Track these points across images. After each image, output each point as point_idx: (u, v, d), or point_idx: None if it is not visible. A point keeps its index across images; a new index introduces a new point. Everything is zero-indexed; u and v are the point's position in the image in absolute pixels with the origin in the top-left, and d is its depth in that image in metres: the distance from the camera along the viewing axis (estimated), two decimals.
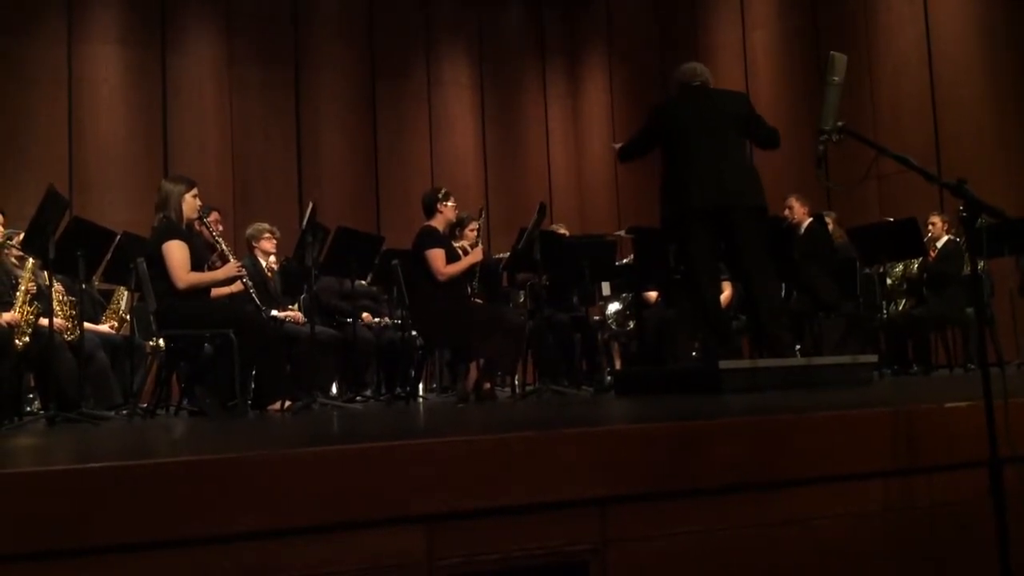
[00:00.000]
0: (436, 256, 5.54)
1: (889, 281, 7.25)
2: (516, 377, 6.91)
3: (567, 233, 7.24)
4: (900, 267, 7.34)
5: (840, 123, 2.59)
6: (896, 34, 9.34)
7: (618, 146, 5.13)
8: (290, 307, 6.31)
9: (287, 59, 11.09)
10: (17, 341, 4.96)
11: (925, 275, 7.14)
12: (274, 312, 6.02)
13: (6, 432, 4.32)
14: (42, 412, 5.32)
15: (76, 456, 2.17)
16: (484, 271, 6.04)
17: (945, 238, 7.10)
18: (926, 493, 2.13)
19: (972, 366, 7.01)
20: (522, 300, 7.15)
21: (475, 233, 6.33)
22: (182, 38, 10.53)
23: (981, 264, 6.43)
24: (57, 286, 5.60)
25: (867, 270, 6.94)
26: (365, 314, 6.99)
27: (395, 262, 6.19)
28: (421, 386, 7.01)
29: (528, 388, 6.42)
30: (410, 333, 6.49)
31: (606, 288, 7.52)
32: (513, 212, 11.17)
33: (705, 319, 4.62)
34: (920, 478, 2.12)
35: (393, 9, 11.74)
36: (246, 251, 6.39)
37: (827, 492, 2.05)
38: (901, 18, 9.28)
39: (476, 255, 5.75)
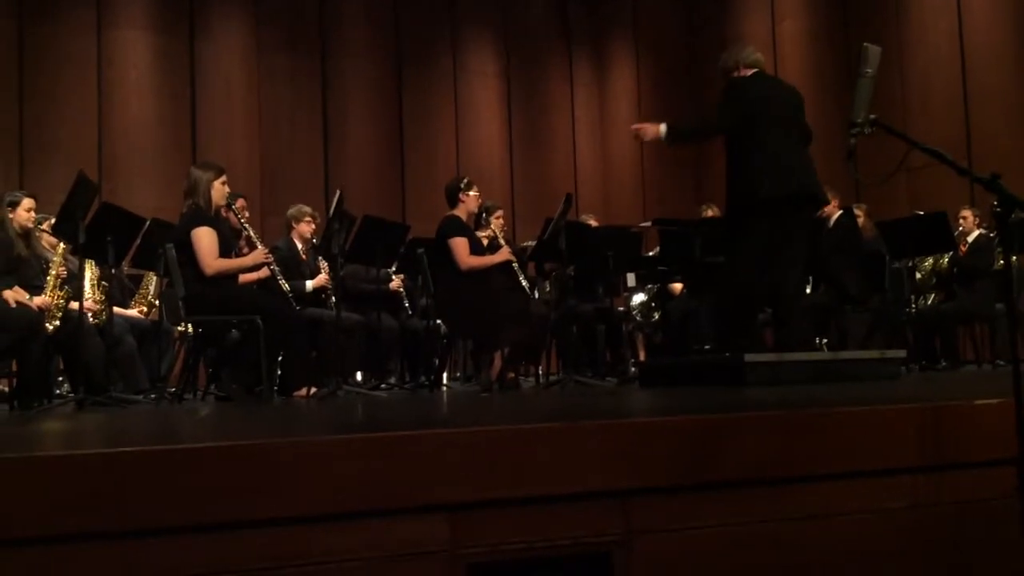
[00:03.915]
0: (459, 244, 5.55)
1: (918, 275, 7.18)
2: (540, 367, 6.92)
3: (596, 223, 7.23)
4: (930, 261, 7.27)
5: (872, 116, 2.56)
6: (928, 26, 9.22)
7: (664, 127, 4.65)
8: (321, 272, 6.26)
9: (314, 46, 11.12)
10: (48, 325, 5.02)
11: (955, 269, 7.07)
12: (308, 283, 6.04)
13: (36, 415, 4.38)
14: (71, 395, 5.38)
15: (104, 440, 2.20)
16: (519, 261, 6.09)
17: (976, 232, 7.02)
18: (953, 490, 2.11)
19: (1001, 362, 6.94)
20: (547, 290, 7.15)
21: (501, 221, 6.33)
22: (210, 25, 10.58)
23: (1013, 259, 6.35)
24: (94, 270, 5.66)
25: (896, 264, 6.88)
26: (395, 282, 6.96)
27: (420, 251, 6.20)
28: (445, 375, 7.03)
29: (552, 378, 6.42)
30: (434, 322, 6.51)
31: (631, 279, 7.50)
32: (538, 201, 11.16)
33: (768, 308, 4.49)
34: (947, 475, 2.10)
35: None
36: (283, 231, 6.42)
37: (853, 488, 2.03)
38: (933, 9, 9.17)
39: (503, 255, 5.77)
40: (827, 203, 4.66)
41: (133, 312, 6.36)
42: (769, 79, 4.76)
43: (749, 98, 4.54)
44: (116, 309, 5.59)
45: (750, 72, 4.66)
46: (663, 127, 4.66)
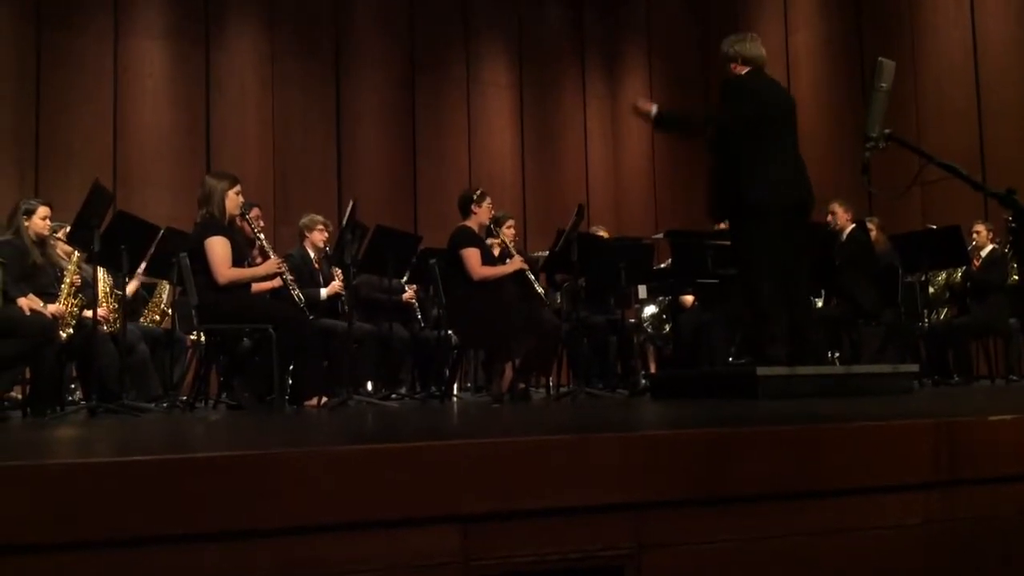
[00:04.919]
0: (471, 255, 5.56)
1: (932, 289, 7.16)
2: (551, 378, 6.91)
3: (606, 234, 7.23)
4: (943, 275, 7.24)
5: (887, 130, 2.56)
6: (941, 37, 9.20)
7: (654, 108, 4.57)
8: (334, 280, 6.28)
9: (328, 55, 11.18)
10: (61, 332, 5.04)
11: (968, 284, 7.04)
12: (322, 291, 6.07)
13: (48, 422, 4.39)
14: (83, 403, 5.40)
15: (116, 448, 2.20)
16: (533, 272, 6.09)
17: (990, 247, 6.99)
18: (967, 507, 2.09)
19: (1014, 377, 6.91)
20: (559, 301, 7.15)
21: (513, 231, 6.34)
22: (225, 33, 10.65)
23: None
24: (107, 278, 5.69)
25: (909, 278, 6.85)
26: (408, 293, 6.98)
27: (432, 261, 6.21)
28: (456, 385, 7.03)
29: (562, 389, 6.41)
30: (446, 332, 6.51)
31: (642, 291, 7.49)
32: (550, 212, 11.18)
33: (792, 322, 4.36)
34: (962, 491, 2.09)
35: (433, 7, 11.79)
36: (297, 240, 6.45)
37: (866, 503, 2.02)
38: (947, 21, 9.14)
39: (515, 264, 5.78)
40: (815, 204, 4.58)
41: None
42: (766, 79, 4.65)
43: (747, 99, 4.46)
44: None
45: (745, 70, 4.57)
46: (654, 108, 4.60)
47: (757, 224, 4.36)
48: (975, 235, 7.03)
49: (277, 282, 5.32)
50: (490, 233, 6.11)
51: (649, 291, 7.40)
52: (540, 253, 7.03)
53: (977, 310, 6.91)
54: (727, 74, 4.58)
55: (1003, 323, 6.80)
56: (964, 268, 7.02)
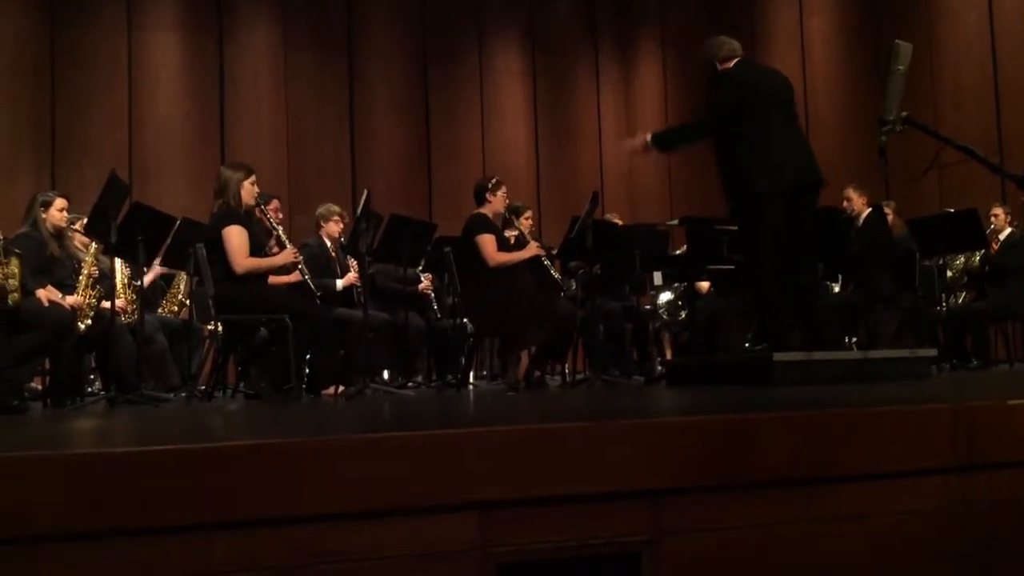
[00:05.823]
0: (487, 241, 5.56)
1: (949, 273, 7.11)
2: (566, 365, 6.92)
3: (620, 221, 7.21)
4: (961, 259, 7.19)
5: (904, 113, 2.54)
6: (958, 20, 9.12)
7: (649, 136, 4.75)
8: (350, 271, 6.30)
9: (341, 46, 11.18)
10: (80, 324, 5.07)
11: (986, 267, 6.98)
12: (338, 282, 6.09)
13: (68, 413, 4.43)
14: (103, 393, 5.44)
15: (135, 438, 2.22)
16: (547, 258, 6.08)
17: (1008, 230, 6.93)
18: (986, 491, 2.08)
19: None
20: (574, 289, 7.15)
21: (530, 222, 6.33)
22: (238, 25, 10.67)
23: None
24: (125, 269, 5.72)
25: (927, 262, 6.80)
26: (424, 283, 6.99)
27: (447, 249, 6.22)
28: (471, 373, 7.04)
29: (578, 377, 6.41)
30: (461, 320, 6.51)
31: (658, 278, 7.47)
32: (564, 199, 11.15)
33: (800, 307, 4.33)
34: (980, 476, 2.08)
35: None
36: (312, 230, 6.46)
37: (883, 488, 2.01)
38: (963, 4, 9.06)
39: (531, 250, 5.76)
40: (825, 184, 4.54)
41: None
42: (752, 66, 4.68)
43: (733, 90, 4.47)
44: None
45: (731, 63, 4.60)
46: (648, 136, 4.72)
47: (759, 212, 4.35)
48: (993, 218, 6.97)
49: (295, 276, 5.34)
50: (507, 223, 6.10)
51: (664, 277, 7.38)
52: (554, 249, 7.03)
53: (995, 294, 6.86)
54: (714, 74, 4.63)
55: (1022, 307, 6.75)
56: (982, 252, 6.97)
